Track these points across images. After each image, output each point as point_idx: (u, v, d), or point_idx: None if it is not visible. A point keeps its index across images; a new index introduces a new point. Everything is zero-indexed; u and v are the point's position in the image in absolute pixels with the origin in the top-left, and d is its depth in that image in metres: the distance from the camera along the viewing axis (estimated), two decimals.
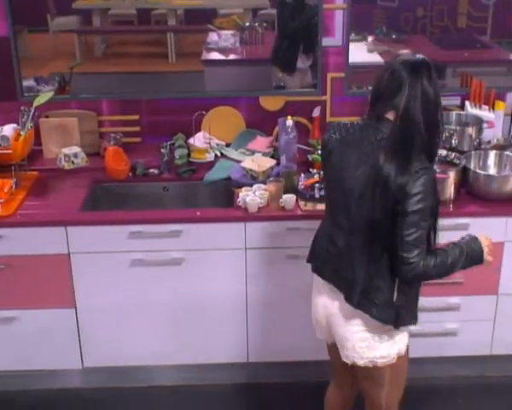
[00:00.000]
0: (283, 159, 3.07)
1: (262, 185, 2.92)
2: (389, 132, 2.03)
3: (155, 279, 2.89)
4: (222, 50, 3.37)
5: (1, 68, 3.28)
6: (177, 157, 3.17)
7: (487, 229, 2.85)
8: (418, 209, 1.96)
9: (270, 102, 3.39)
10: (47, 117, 3.30)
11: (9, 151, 3.00)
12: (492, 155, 3.10)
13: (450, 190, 2.84)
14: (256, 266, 2.88)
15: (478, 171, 2.94)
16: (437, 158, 2.95)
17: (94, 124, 3.36)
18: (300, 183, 2.89)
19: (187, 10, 3.40)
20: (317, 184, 2.86)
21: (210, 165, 3.20)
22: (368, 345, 2.17)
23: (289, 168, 2.96)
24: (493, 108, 3.30)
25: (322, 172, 2.43)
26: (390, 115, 2.04)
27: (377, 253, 2.07)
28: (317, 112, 3.35)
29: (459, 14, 3.32)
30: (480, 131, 3.15)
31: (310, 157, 3.13)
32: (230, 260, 2.87)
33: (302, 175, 2.97)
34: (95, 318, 2.95)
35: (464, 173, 2.90)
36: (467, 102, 3.31)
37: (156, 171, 3.17)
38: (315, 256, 2.32)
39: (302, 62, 3.34)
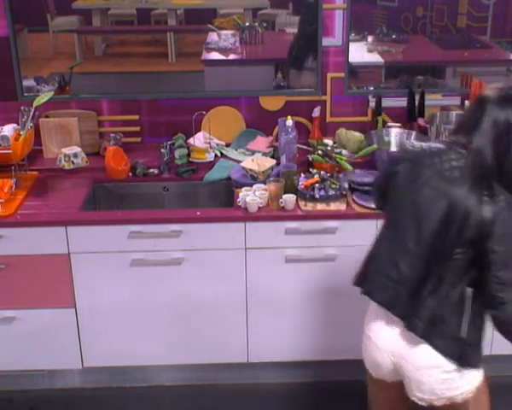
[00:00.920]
0: (283, 159, 3.07)
1: (262, 185, 2.92)
2: (471, 162, 1.89)
3: (155, 279, 2.89)
4: (222, 50, 3.37)
5: (1, 68, 3.28)
6: (177, 157, 3.17)
7: None
8: (508, 249, 1.85)
9: (270, 102, 3.39)
10: (47, 117, 3.30)
11: (9, 151, 3.00)
12: None
13: None
14: (256, 266, 2.88)
15: None
16: None
17: (94, 124, 3.36)
18: (300, 183, 2.90)
19: (187, 10, 3.40)
20: (316, 185, 2.86)
21: (210, 165, 3.20)
22: (448, 387, 2.02)
23: (289, 168, 2.96)
24: None
25: (380, 187, 2.21)
26: (471, 144, 1.90)
27: (449, 283, 1.95)
28: (317, 112, 3.35)
29: (459, 14, 3.32)
30: None
31: (310, 157, 3.12)
32: (230, 260, 2.87)
33: (302, 175, 2.97)
34: (95, 318, 2.95)
35: None
36: (467, 102, 3.30)
37: (156, 171, 3.17)
38: (368, 279, 2.14)
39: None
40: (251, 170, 3.03)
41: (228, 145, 3.38)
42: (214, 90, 3.40)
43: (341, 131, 3.29)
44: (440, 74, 3.48)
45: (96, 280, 2.88)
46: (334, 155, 3.07)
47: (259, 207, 2.82)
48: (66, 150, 3.16)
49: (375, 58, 3.39)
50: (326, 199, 2.85)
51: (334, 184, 2.88)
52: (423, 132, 3.21)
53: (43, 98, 3.03)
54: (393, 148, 3.14)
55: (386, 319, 2.09)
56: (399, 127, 3.28)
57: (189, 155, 3.23)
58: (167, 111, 3.40)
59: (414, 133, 3.23)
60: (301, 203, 2.85)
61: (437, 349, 1.99)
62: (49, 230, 2.79)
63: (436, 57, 3.47)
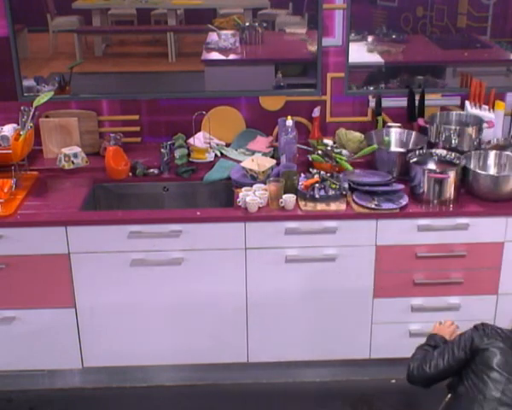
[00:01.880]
0: (283, 159, 3.07)
1: (262, 185, 2.92)
2: None
3: (155, 279, 2.89)
4: (222, 50, 3.37)
5: (1, 68, 3.28)
6: (177, 157, 3.17)
7: (487, 229, 2.87)
8: None
9: (270, 102, 3.39)
10: (47, 117, 3.30)
11: (9, 151, 3.00)
12: (492, 155, 3.10)
13: (450, 190, 2.84)
14: (256, 266, 2.88)
15: (478, 171, 2.94)
16: (437, 158, 2.97)
17: (94, 124, 3.36)
18: (300, 183, 2.89)
19: (187, 10, 3.40)
20: (316, 185, 2.86)
21: (210, 165, 3.20)
22: None
23: (289, 168, 2.96)
24: (493, 107, 3.30)
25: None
26: None
27: None
28: (317, 112, 3.35)
29: (459, 14, 3.32)
30: (479, 131, 3.14)
31: (310, 157, 3.12)
32: (230, 260, 2.87)
33: (302, 175, 2.97)
34: (95, 317, 2.95)
35: (464, 173, 2.90)
36: (467, 102, 3.31)
37: (156, 171, 3.17)
38: None
39: None
40: (251, 170, 3.03)
41: (228, 145, 3.38)
42: (214, 90, 3.39)
43: (341, 131, 3.28)
44: (440, 74, 3.48)
45: (95, 280, 2.88)
46: (334, 155, 3.07)
47: (259, 207, 2.81)
48: (66, 150, 3.16)
49: (375, 58, 3.39)
50: (326, 199, 2.85)
51: (334, 184, 2.88)
52: (423, 133, 3.21)
53: (43, 98, 3.03)
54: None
55: None
56: (399, 127, 3.28)
57: (189, 155, 3.23)
58: (167, 111, 3.40)
59: (414, 133, 3.23)
60: (301, 203, 2.85)
61: None
62: (49, 230, 2.79)
63: (436, 57, 3.47)
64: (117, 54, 3.46)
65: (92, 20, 3.34)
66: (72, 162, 3.16)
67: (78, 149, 3.19)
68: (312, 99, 3.38)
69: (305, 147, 3.20)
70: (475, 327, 2.21)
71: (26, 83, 3.31)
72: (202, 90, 3.40)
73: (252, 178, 3.02)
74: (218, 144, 3.34)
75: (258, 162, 3.07)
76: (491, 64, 3.57)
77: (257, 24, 3.32)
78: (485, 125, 3.14)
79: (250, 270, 2.89)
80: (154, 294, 2.92)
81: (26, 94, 3.30)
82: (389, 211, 2.80)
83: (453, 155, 3.00)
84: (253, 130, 3.41)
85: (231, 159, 3.26)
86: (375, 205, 2.82)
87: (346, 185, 2.90)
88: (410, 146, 3.17)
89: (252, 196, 2.83)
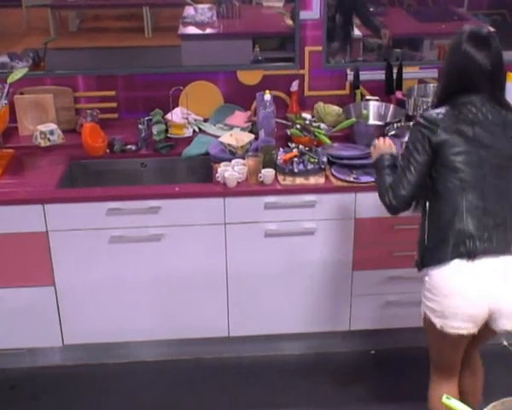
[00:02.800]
0: (262, 133, 3.06)
1: (241, 160, 2.92)
2: None
3: (135, 256, 2.88)
4: (199, 24, 3.34)
5: None
6: (155, 133, 3.14)
7: None
8: None
9: (248, 77, 3.37)
10: (22, 94, 3.25)
11: None
12: None
13: None
14: (235, 241, 2.89)
15: None
16: None
17: (70, 100, 3.31)
18: (279, 157, 2.89)
19: None
20: (295, 159, 2.86)
21: (188, 140, 3.18)
22: None
23: (268, 143, 2.95)
24: None
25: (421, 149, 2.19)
26: None
27: None
28: (295, 86, 3.34)
29: None
30: None
31: (288, 131, 3.12)
32: (210, 236, 2.87)
33: (281, 149, 2.97)
34: (74, 295, 2.94)
35: None
36: None
37: (134, 147, 3.14)
38: (473, 244, 2.12)
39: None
40: (229, 145, 3.02)
41: (206, 120, 3.36)
42: (191, 64, 3.36)
43: (319, 105, 3.28)
44: (418, 47, 3.48)
45: (74, 257, 2.87)
46: (312, 129, 3.07)
47: (238, 182, 2.81)
48: (41, 127, 3.12)
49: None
50: (305, 173, 2.85)
51: (312, 158, 2.89)
52: (401, 105, 3.22)
53: (17, 75, 2.97)
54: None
55: (472, 269, 2.12)
56: (377, 100, 3.28)
57: (166, 130, 3.21)
58: (144, 86, 3.36)
59: (392, 106, 3.24)
60: (280, 178, 2.85)
61: None
62: (26, 208, 2.77)
63: (413, 30, 3.47)
64: (92, 29, 3.42)
65: None
66: (49, 139, 3.12)
67: (54, 126, 3.15)
68: (290, 73, 3.37)
69: (284, 121, 3.19)
70: (417, 123, 2.18)
71: None
72: (179, 65, 3.37)
73: (230, 153, 3.01)
74: (195, 120, 3.32)
75: (237, 137, 3.06)
76: None
77: None
78: None
79: (230, 245, 2.89)
80: (134, 270, 2.91)
81: None
82: (367, 184, 2.81)
83: None
84: (231, 105, 3.39)
85: (209, 134, 3.25)
86: (354, 178, 2.83)
87: (325, 159, 2.90)
88: (388, 119, 3.18)
89: (230, 171, 2.82)
